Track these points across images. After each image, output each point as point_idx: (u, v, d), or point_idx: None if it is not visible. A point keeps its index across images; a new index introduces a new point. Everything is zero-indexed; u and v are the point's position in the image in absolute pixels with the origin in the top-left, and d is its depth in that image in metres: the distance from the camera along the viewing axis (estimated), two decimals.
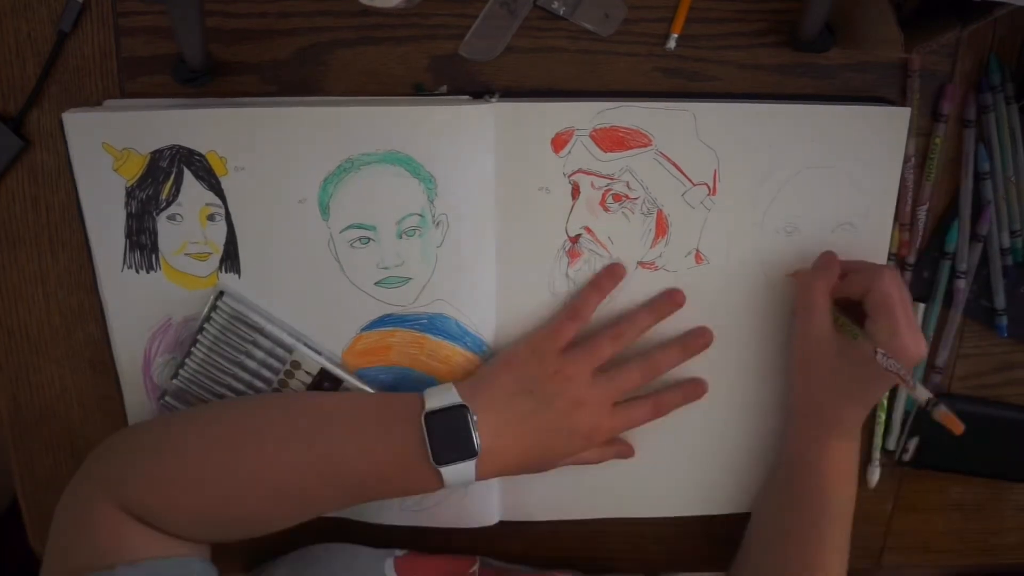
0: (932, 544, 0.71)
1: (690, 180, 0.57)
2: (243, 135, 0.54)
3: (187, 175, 0.55)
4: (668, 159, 0.57)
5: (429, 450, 0.51)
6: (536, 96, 0.57)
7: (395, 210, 0.56)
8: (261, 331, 0.57)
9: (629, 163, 0.57)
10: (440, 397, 0.53)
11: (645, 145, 0.56)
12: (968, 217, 0.61)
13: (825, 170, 0.58)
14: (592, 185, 0.57)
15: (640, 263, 0.59)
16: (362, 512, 0.63)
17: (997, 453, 0.66)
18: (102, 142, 0.54)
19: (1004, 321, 0.63)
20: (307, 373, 0.58)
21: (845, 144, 0.57)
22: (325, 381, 0.58)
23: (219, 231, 0.56)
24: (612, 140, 0.56)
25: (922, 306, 0.63)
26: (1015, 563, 0.72)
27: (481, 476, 0.53)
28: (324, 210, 0.55)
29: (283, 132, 0.54)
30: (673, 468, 0.64)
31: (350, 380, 0.58)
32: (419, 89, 0.57)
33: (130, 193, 0.55)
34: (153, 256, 0.56)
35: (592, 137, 0.56)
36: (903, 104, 0.58)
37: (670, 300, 0.59)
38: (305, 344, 0.58)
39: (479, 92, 0.57)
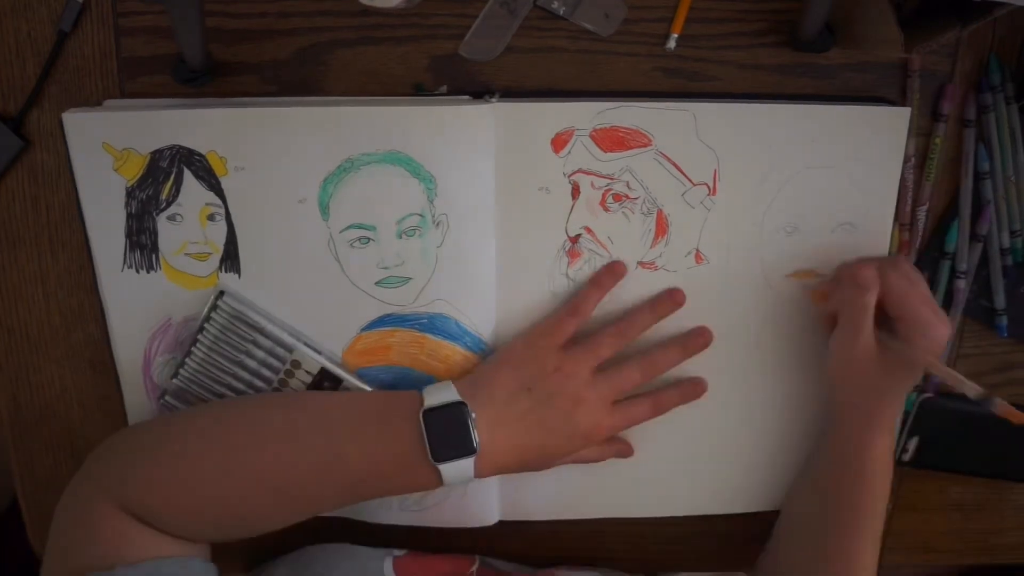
0: (932, 544, 0.71)
1: (690, 180, 0.57)
2: (243, 135, 0.54)
3: (187, 175, 0.55)
4: (668, 159, 0.57)
5: (427, 447, 0.51)
6: (536, 96, 0.57)
7: (395, 210, 0.56)
8: (261, 331, 0.57)
9: (629, 163, 0.57)
10: (439, 394, 0.53)
11: (645, 145, 0.56)
12: (968, 217, 0.61)
13: (825, 170, 0.58)
14: (592, 185, 0.57)
15: (640, 263, 0.59)
16: (361, 512, 0.63)
17: (997, 453, 0.66)
18: (102, 142, 0.54)
19: (1004, 321, 0.63)
20: (307, 373, 0.58)
21: (845, 144, 0.57)
22: (325, 381, 0.58)
23: (219, 231, 0.56)
24: (612, 140, 0.56)
25: None
26: (1015, 563, 0.72)
27: (480, 473, 0.53)
28: (324, 210, 0.55)
29: (283, 132, 0.54)
30: (673, 468, 0.64)
31: (350, 380, 0.58)
32: (419, 89, 0.57)
33: (130, 193, 0.55)
34: (153, 256, 0.56)
35: (592, 137, 0.56)
36: (903, 104, 0.58)
37: (671, 299, 0.59)
38: (305, 344, 0.58)
39: (479, 92, 0.57)
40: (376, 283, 0.57)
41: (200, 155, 0.54)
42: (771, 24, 0.56)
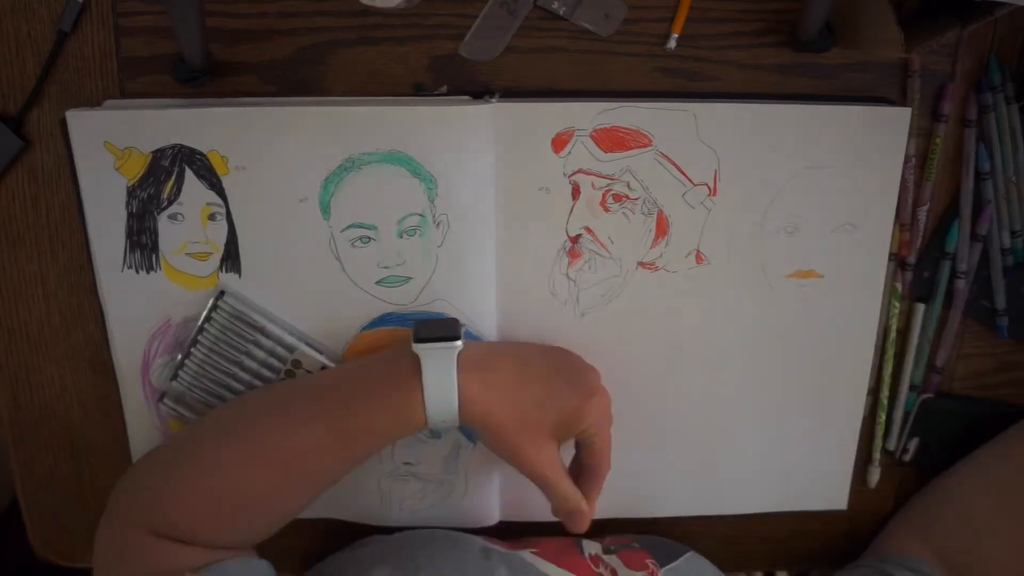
0: None
1: (690, 180, 0.57)
2: (245, 135, 0.54)
3: (188, 174, 0.55)
4: (668, 159, 0.57)
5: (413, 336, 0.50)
6: (536, 96, 0.57)
7: (396, 210, 0.56)
8: (262, 330, 0.57)
9: (629, 163, 0.57)
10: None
11: (645, 145, 0.56)
12: (968, 217, 0.61)
13: (825, 170, 0.58)
14: (592, 185, 0.57)
15: (640, 263, 0.59)
16: (363, 514, 0.63)
17: None
18: (104, 141, 0.54)
19: (1004, 321, 0.63)
20: (308, 372, 0.58)
21: (845, 144, 0.57)
22: None
23: (220, 230, 0.56)
24: (612, 140, 0.56)
25: (922, 306, 0.63)
26: None
27: (466, 395, 0.50)
28: (325, 209, 0.56)
29: (284, 132, 0.54)
30: (673, 468, 0.64)
31: None
32: (419, 89, 0.57)
33: (131, 192, 0.55)
34: (153, 256, 0.56)
35: (592, 137, 0.56)
36: (903, 104, 0.58)
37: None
38: (306, 343, 0.58)
39: (479, 92, 0.57)
40: (377, 282, 0.57)
41: (201, 154, 0.54)
42: (771, 24, 0.56)
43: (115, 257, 0.56)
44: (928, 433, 0.65)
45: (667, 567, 0.59)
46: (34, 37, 0.54)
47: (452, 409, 0.50)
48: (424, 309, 0.58)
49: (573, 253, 0.58)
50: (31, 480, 0.64)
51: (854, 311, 0.61)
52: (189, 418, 0.59)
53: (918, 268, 0.62)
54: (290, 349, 0.57)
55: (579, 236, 0.58)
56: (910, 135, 0.58)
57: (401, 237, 0.56)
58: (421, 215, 0.56)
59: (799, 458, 0.65)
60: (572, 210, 0.57)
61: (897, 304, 0.62)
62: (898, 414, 0.65)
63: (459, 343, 0.50)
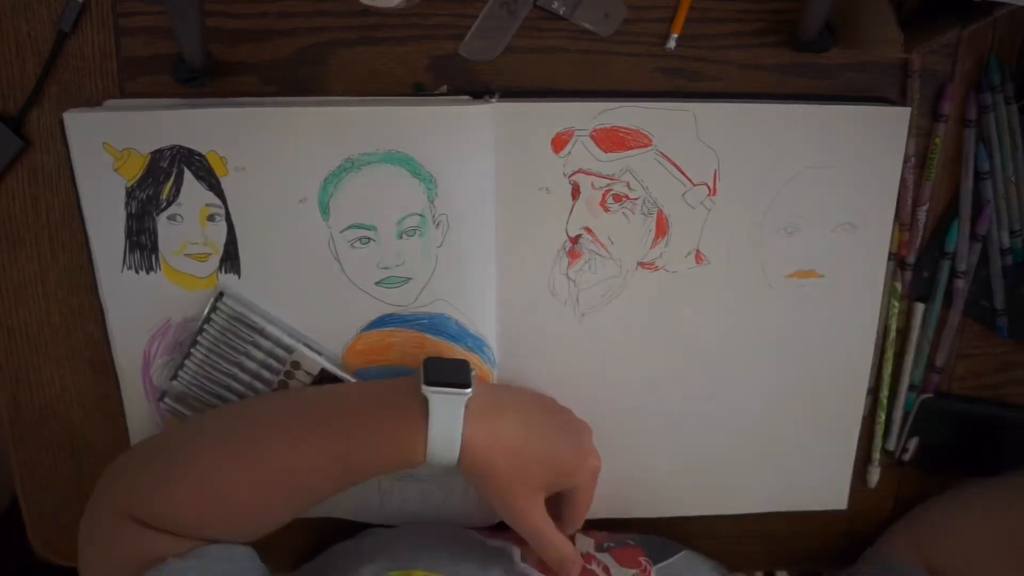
0: None
1: (690, 180, 0.57)
2: (243, 135, 0.54)
3: (187, 175, 0.55)
4: (668, 159, 0.57)
5: (422, 375, 0.50)
6: (536, 96, 0.56)
7: (395, 210, 0.56)
8: (261, 331, 0.57)
9: (629, 163, 0.57)
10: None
11: (645, 145, 0.56)
12: (968, 217, 0.61)
13: (825, 170, 0.58)
14: (592, 185, 0.57)
15: (640, 263, 0.59)
16: (363, 513, 0.63)
17: (997, 453, 0.66)
18: (103, 142, 0.54)
19: (1004, 321, 0.63)
20: (307, 373, 0.58)
21: (845, 144, 0.57)
22: (325, 381, 0.58)
23: (219, 231, 0.56)
24: (612, 140, 0.56)
25: (922, 306, 0.63)
26: None
27: (470, 440, 0.50)
28: (324, 210, 0.55)
29: (283, 132, 0.54)
30: (672, 468, 0.64)
31: (350, 380, 0.58)
32: (419, 89, 0.57)
33: (130, 193, 0.55)
34: (153, 256, 0.56)
35: (592, 137, 0.56)
36: (903, 104, 0.58)
37: None
38: (305, 344, 0.58)
39: (479, 92, 0.57)
40: (376, 283, 0.57)
41: (200, 155, 0.54)
42: (771, 24, 0.56)
43: (115, 257, 0.56)
44: (928, 433, 0.65)
45: (660, 564, 0.59)
46: (34, 37, 0.54)
47: (453, 457, 0.50)
48: (424, 310, 0.58)
49: (573, 253, 0.58)
50: (31, 480, 0.64)
51: (854, 311, 0.61)
52: (190, 417, 0.59)
53: (918, 268, 0.62)
54: (289, 350, 0.57)
55: (579, 236, 0.58)
56: (910, 135, 0.58)
57: (401, 237, 0.56)
58: (421, 215, 0.56)
59: (799, 458, 0.65)
60: (572, 210, 0.57)
61: (897, 304, 0.62)
62: (898, 414, 0.65)
63: (470, 391, 0.50)
